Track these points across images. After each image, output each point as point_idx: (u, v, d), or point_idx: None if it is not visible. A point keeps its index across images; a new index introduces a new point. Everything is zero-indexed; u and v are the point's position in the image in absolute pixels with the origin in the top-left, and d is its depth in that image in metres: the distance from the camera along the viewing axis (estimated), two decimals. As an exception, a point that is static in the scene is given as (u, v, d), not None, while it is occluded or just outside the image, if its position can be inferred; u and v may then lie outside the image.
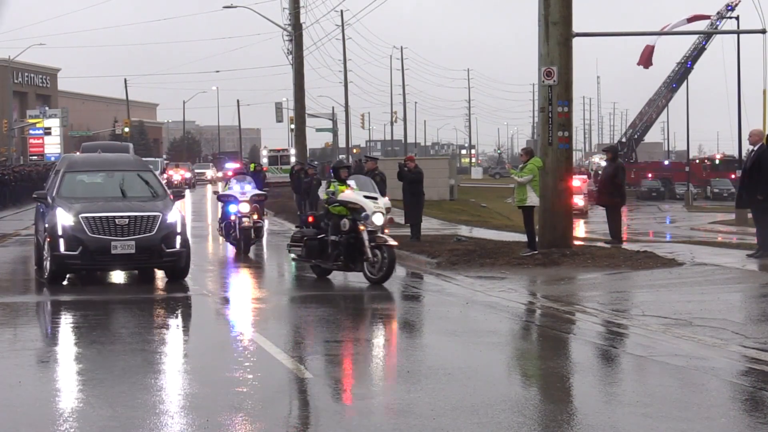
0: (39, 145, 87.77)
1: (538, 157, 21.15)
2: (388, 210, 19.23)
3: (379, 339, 12.97)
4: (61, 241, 17.62)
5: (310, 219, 19.30)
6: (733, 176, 77.81)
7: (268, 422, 8.29)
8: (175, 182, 68.32)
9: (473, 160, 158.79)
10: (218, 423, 8.18)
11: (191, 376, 10.22)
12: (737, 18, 61.52)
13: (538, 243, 20.88)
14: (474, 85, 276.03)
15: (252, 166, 49.08)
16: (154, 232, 17.78)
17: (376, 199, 18.69)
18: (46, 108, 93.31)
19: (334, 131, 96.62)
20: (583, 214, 51.63)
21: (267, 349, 11.48)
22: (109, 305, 15.87)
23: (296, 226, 21.56)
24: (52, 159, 79.10)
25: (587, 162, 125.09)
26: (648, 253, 20.07)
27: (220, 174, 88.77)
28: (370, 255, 17.60)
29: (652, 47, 55.21)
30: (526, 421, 8.18)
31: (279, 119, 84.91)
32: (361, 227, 17.82)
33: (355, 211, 18.10)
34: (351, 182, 19.01)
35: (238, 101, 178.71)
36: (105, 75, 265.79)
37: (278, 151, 75.43)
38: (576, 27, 21.18)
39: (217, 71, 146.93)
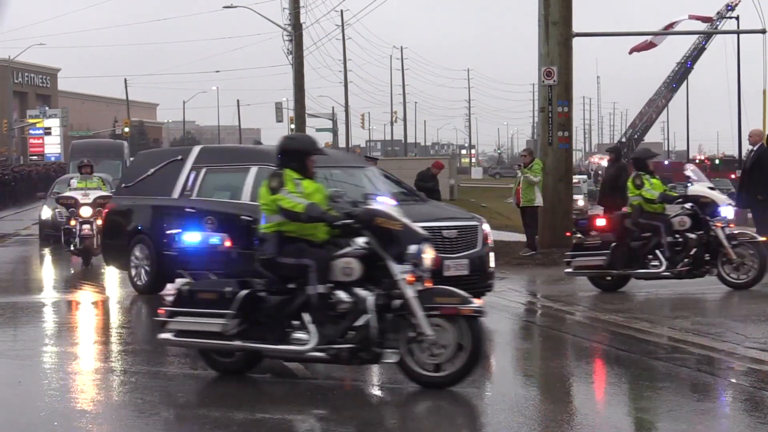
0: (39, 145, 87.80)
1: (537, 158, 21.18)
2: None
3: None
4: None
5: (606, 222, 16.17)
6: (733, 176, 77.75)
7: (267, 422, 8.29)
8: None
9: (473, 160, 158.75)
10: (217, 420, 8.18)
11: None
12: (737, 18, 61.53)
13: (538, 243, 20.88)
14: (474, 85, 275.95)
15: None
16: (479, 248, 14.12)
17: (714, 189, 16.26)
18: (46, 108, 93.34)
19: (334, 131, 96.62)
20: (583, 214, 51.53)
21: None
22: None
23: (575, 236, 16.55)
24: (52, 159, 79.22)
25: (587, 162, 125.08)
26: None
27: None
28: (734, 256, 15.42)
29: (653, 45, 55.12)
30: (526, 420, 8.18)
31: (279, 119, 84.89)
32: (718, 224, 15.56)
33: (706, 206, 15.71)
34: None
35: (238, 101, 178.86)
36: (105, 75, 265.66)
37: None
38: (576, 27, 21.21)
39: (217, 71, 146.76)
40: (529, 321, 14.42)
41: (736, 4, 71.88)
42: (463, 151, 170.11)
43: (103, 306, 16.03)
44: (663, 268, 15.48)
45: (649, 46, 56.30)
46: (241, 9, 55.08)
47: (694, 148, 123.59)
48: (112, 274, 19.46)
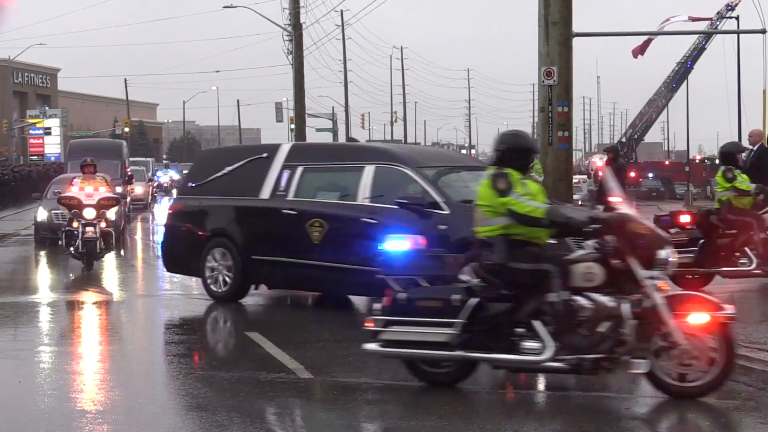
0: (39, 145, 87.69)
1: (537, 159, 21.19)
2: None
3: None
4: None
5: (690, 219, 15.71)
6: (732, 176, 77.60)
7: (268, 422, 8.29)
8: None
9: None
10: (218, 423, 8.18)
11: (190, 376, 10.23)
12: (737, 18, 61.52)
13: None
14: (474, 85, 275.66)
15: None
16: None
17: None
18: (46, 108, 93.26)
19: (334, 131, 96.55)
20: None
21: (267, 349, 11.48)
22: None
23: None
24: (52, 159, 79.18)
25: (587, 162, 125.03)
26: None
27: None
28: None
29: (651, 39, 55.25)
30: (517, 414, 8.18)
31: (279, 119, 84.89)
32: None
33: None
34: None
35: (238, 101, 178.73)
36: (105, 75, 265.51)
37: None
38: (576, 27, 21.19)
39: (217, 71, 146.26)
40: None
41: (736, 4, 71.86)
42: (463, 151, 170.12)
43: (103, 305, 16.01)
44: (753, 265, 15.07)
45: (648, 42, 56.38)
46: (241, 9, 55.11)
47: (694, 148, 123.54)
48: (111, 277, 19.46)
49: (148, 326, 14.09)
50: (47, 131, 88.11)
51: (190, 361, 11.27)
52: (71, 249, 20.11)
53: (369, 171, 14.00)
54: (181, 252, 15.84)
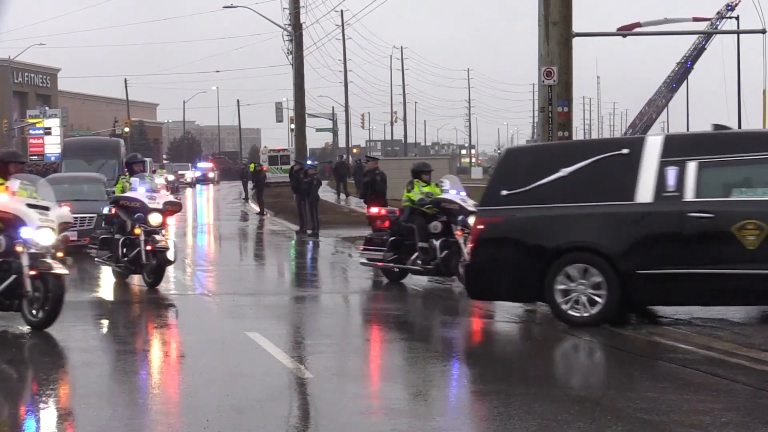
0: (39, 145, 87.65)
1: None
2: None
3: (375, 338, 12.98)
4: None
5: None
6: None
7: (268, 422, 8.29)
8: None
9: (473, 160, 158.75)
10: (219, 423, 8.18)
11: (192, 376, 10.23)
12: (737, 18, 61.53)
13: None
14: (474, 85, 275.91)
15: (252, 166, 49.19)
16: None
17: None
18: (46, 108, 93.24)
19: (334, 131, 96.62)
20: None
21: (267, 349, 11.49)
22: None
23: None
24: (52, 159, 79.17)
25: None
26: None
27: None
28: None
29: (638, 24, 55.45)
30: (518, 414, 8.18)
31: (279, 119, 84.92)
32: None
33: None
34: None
35: (238, 101, 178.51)
36: (105, 75, 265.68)
37: (278, 151, 75.30)
38: (576, 27, 21.18)
39: (217, 71, 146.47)
40: (529, 321, 14.37)
41: (736, 4, 71.90)
42: (463, 151, 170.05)
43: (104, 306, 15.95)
44: None
45: (635, 24, 56.49)
46: (241, 9, 55.10)
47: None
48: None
49: (160, 325, 14.06)
50: (47, 131, 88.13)
51: (190, 361, 11.26)
52: (124, 261, 17.16)
53: None
54: (506, 274, 13.11)
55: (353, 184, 53.27)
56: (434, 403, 9.01)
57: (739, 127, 56.33)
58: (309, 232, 29.41)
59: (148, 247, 16.79)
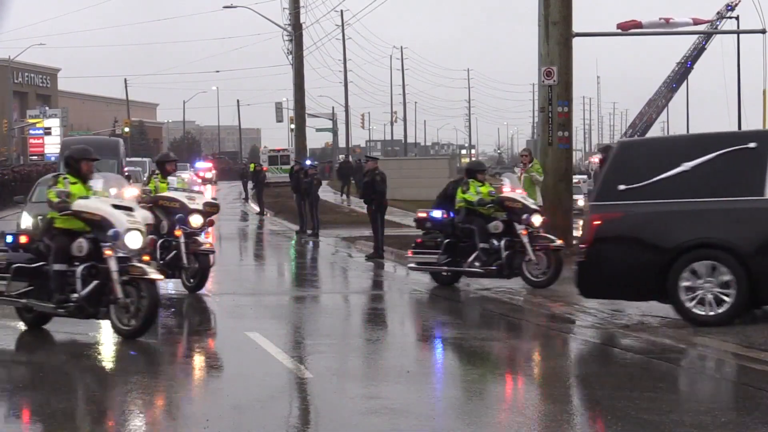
0: (39, 145, 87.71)
1: (536, 159, 21.21)
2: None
3: (375, 337, 12.99)
4: None
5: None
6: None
7: (268, 422, 8.29)
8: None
9: (473, 160, 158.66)
10: (219, 423, 8.18)
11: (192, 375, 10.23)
12: (737, 18, 61.56)
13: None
14: (474, 85, 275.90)
15: (252, 166, 49.19)
16: None
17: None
18: (46, 108, 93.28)
19: (334, 131, 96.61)
20: (583, 213, 51.56)
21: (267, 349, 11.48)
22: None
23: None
24: (52, 159, 79.19)
25: (587, 162, 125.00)
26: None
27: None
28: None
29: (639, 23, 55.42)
30: (525, 420, 8.18)
31: (279, 119, 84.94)
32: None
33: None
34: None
35: (238, 101, 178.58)
36: (105, 75, 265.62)
37: (278, 151, 75.30)
38: (576, 27, 21.20)
39: (217, 71, 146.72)
40: (529, 321, 14.38)
41: (736, 4, 71.90)
42: (463, 151, 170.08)
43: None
44: None
45: (634, 24, 56.45)
46: (241, 9, 55.17)
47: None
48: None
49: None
50: (47, 131, 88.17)
51: (190, 361, 11.26)
52: (161, 264, 15.99)
53: None
54: (626, 272, 12.66)
55: (353, 184, 53.30)
56: (434, 403, 9.00)
57: (739, 127, 56.35)
58: (309, 232, 29.44)
59: (190, 250, 16.11)
